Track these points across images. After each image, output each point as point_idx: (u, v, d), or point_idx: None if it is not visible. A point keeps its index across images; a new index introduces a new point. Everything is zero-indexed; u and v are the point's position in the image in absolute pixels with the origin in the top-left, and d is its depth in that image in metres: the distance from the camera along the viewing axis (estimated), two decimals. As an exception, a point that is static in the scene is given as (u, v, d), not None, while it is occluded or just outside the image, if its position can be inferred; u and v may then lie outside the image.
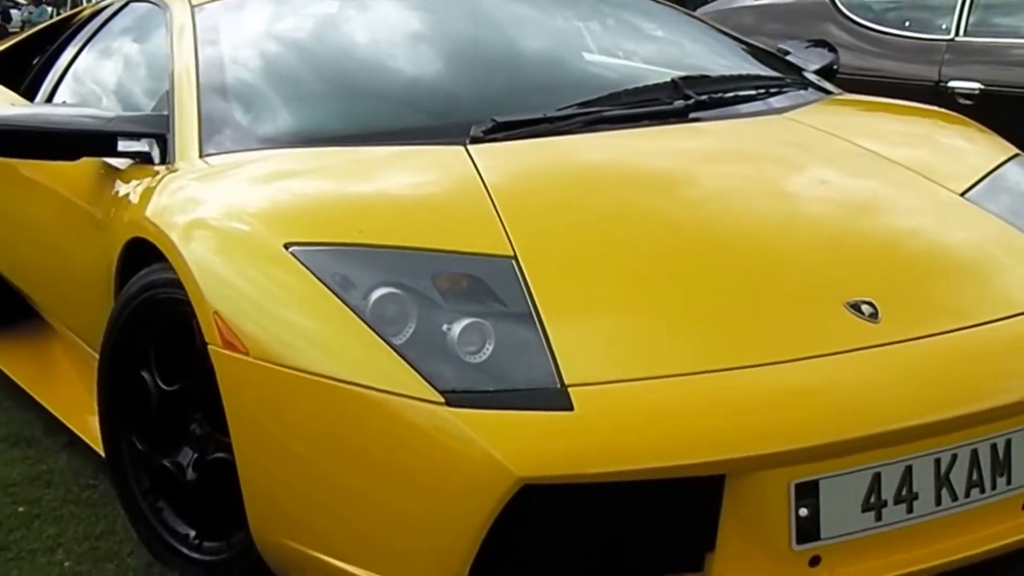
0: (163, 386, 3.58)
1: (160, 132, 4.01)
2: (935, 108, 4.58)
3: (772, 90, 4.35)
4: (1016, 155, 4.04)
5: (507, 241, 3.23)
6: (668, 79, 4.20)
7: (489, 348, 2.99)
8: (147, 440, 3.64)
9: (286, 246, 3.21)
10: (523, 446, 2.86)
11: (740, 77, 4.42)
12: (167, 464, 3.57)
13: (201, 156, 3.87)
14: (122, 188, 4.01)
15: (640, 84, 4.22)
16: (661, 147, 3.92)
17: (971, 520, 3.13)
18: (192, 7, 4.52)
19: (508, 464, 2.83)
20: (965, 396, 3.11)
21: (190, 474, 3.52)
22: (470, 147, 3.71)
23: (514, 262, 3.17)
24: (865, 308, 3.18)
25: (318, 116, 4.17)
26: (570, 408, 2.90)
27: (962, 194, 3.73)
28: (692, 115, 4.05)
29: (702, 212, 3.56)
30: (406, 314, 3.04)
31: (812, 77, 4.66)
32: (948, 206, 3.69)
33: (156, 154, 3.99)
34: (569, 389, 2.92)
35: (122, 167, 4.09)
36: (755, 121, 4.12)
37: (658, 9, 5.11)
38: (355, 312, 3.06)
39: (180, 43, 4.31)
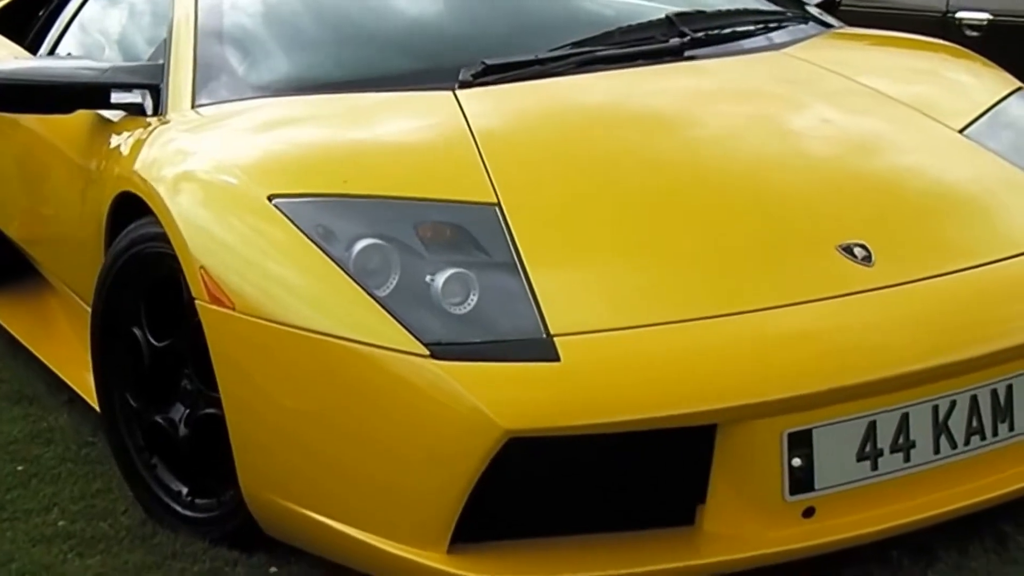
0: (154, 342, 3.54)
1: (154, 83, 3.95)
2: (938, 41, 4.48)
3: (771, 25, 4.25)
4: (1018, 88, 3.95)
5: (491, 188, 3.18)
6: (663, 15, 4.11)
7: (473, 299, 2.95)
8: (140, 396, 3.61)
9: (270, 198, 3.17)
10: (509, 398, 2.82)
11: (737, 12, 4.31)
12: (160, 420, 3.54)
13: (193, 106, 3.82)
14: (114, 141, 3.97)
15: (634, 21, 4.12)
16: (655, 87, 3.85)
17: (971, 468, 3.07)
18: None
19: (494, 417, 2.79)
20: (963, 340, 3.05)
21: (182, 430, 3.49)
22: (459, 92, 3.64)
23: (497, 209, 3.11)
24: (858, 251, 3.11)
25: (310, 63, 4.09)
26: (556, 358, 2.85)
27: (961, 131, 3.65)
28: (688, 53, 3.96)
29: (693, 155, 3.49)
30: (389, 265, 2.99)
31: (813, 10, 4.55)
32: (946, 144, 3.61)
33: (149, 105, 3.93)
34: (555, 339, 2.88)
35: (115, 119, 4.04)
36: (752, 58, 4.03)
37: None
38: (338, 264, 3.02)
39: None
